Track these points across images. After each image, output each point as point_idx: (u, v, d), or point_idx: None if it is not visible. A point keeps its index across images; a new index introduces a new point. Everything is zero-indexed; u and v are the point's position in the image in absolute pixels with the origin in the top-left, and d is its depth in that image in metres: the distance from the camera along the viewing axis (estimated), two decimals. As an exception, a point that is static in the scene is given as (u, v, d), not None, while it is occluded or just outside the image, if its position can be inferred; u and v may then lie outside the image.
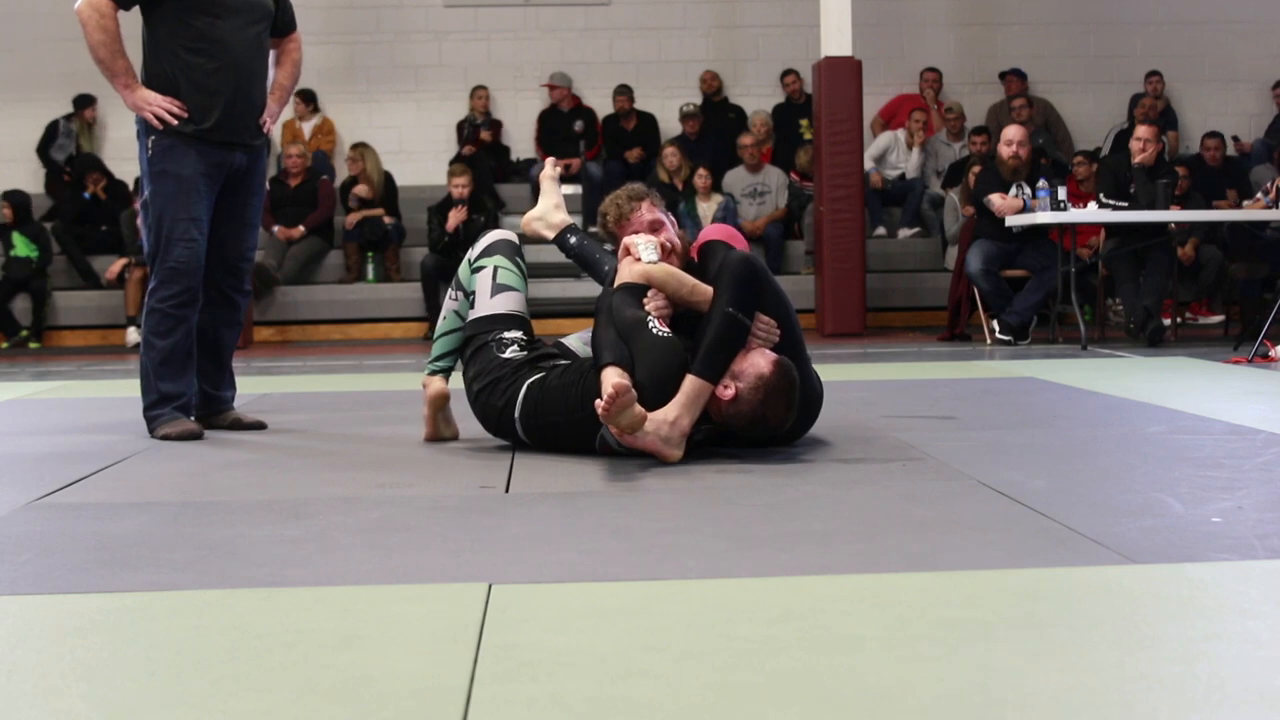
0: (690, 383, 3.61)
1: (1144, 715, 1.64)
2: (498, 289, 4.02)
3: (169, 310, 4.37)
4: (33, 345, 10.53)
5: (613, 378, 3.49)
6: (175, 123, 4.32)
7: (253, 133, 4.49)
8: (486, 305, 4.02)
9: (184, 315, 4.39)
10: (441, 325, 4.15)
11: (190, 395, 4.52)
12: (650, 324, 3.70)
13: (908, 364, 7.20)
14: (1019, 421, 4.60)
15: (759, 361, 3.64)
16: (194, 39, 4.35)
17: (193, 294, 4.40)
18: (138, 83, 4.36)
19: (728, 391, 3.63)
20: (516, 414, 3.84)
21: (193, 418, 4.57)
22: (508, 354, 3.91)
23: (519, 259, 4.11)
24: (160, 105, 4.32)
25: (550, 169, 4.54)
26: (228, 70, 4.37)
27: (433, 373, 4.16)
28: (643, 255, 3.87)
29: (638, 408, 3.49)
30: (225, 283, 4.56)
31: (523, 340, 3.97)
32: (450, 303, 4.14)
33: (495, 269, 4.05)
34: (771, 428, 3.70)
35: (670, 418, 3.59)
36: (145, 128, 4.37)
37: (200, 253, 4.40)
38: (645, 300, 3.79)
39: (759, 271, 3.75)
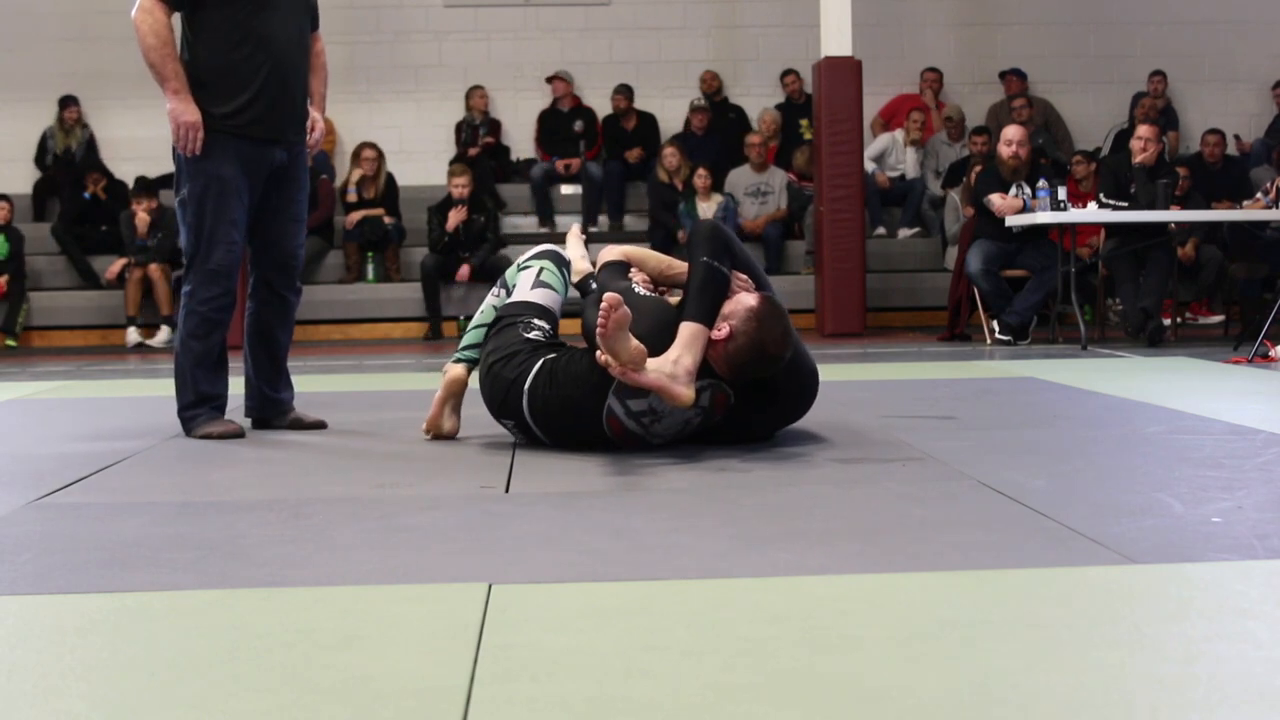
0: (685, 327, 3.69)
1: (1144, 715, 1.64)
2: (538, 284, 4.15)
3: (209, 314, 4.34)
4: (10, 344, 10.51)
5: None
6: (193, 155, 4.27)
7: (296, 129, 4.45)
8: (524, 294, 4.13)
9: (222, 319, 4.38)
10: (477, 318, 4.23)
11: (227, 397, 4.49)
12: (636, 288, 3.89)
13: (908, 364, 7.20)
14: (1019, 421, 4.60)
15: (745, 299, 3.77)
16: (237, 33, 4.29)
17: (232, 296, 4.39)
18: (188, 91, 4.26)
19: (722, 332, 3.70)
20: (526, 385, 3.85)
21: (250, 420, 4.57)
22: (531, 335, 3.98)
23: (565, 270, 4.26)
24: (192, 132, 4.24)
25: (577, 230, 4.68)
26: (271, 65, 4.32)
27: (458, 360, 4.19)
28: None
29: (635, 341, 3.51)
30: (278, 281, 4.52)
31: (548, 331, 4.05)
32: (491, 298, 4.27)
33: (541, 269, 4.18)
34: (772, 357, 3.73)
35: (672, 357, 3.63)
36: None
37: (239, 255, 4.39)
38: (629, 274, 4.00)
39: (723, 229, 3.96)
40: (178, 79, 4.26)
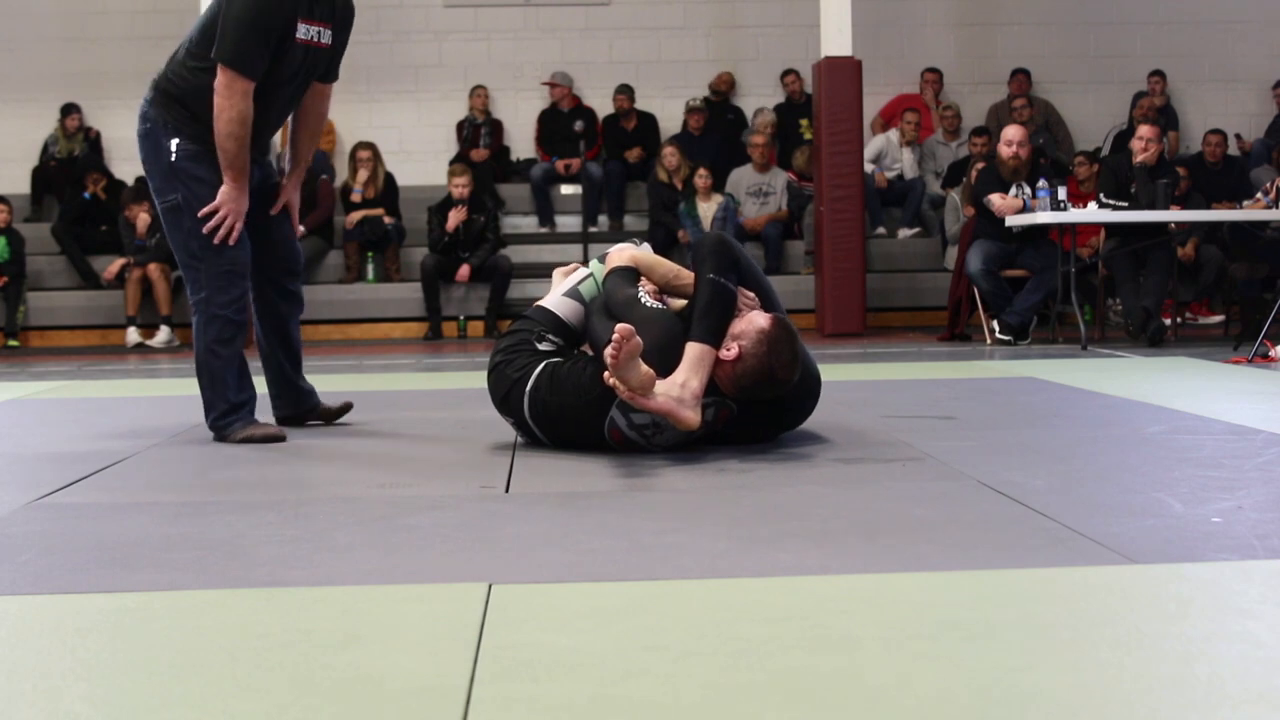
0: (691, 348, 3.66)
1: (1144, 715, 1.64)
2: (574, 293, 4.09)
3: (231, 315, 4.27)
4: (11, 344, 10.52)
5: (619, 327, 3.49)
6: (216, 242, 4.21)
7: (261, 150, 4.44)
8: (557, 301, 4.08)
9: (244, 319, 4.34)
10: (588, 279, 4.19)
11: (255, 397, 4.43)
12: (643, 299, 3.83)
13: (908, 364, 7.20)
14: (1019, 421, 4.60)
15: (756, 319, 3.73)
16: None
17: (247, 295, 4.36)
18: (247, 181, 4.23)
19: (730, 353, 3.68)
20: (528, 387, 3.85)
21: (276, 418, 4.57)
22: (541, 346, 3.97)
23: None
24: (234, 219, 4.20)
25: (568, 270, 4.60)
26: (262, 116, 4.26)
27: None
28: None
29: (645, 367, 3.50)
30: (285, 279, 4.54)
31: (561, 345, 4.02)
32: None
33: (589, 277, 4.11)
34: (780, 381, 3.72)
35: (680, 380, 3.62)
36: (165, 128, 4.24)
37: (249, 251, 4.34)
38: (639, 282, 3.94)
39: (731, 242, 3.91)
40: (244, 171, 4.21)
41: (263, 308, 4.55)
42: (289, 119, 4.57)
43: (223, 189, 4.20)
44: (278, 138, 4.48)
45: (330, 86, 4.56)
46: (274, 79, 4.22)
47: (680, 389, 3.60)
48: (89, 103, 12.11)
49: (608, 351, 3.41)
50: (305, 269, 10.83)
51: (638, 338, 3.43)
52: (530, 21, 12.53)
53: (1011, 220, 8.66)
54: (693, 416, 3.60)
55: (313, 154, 4.68)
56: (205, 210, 4.21)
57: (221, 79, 4.12)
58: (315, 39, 4.27)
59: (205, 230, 4.20)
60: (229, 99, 4.12)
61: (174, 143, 4.24)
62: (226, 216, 4.21)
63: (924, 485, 3.30)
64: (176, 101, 4.24)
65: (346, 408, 4.68)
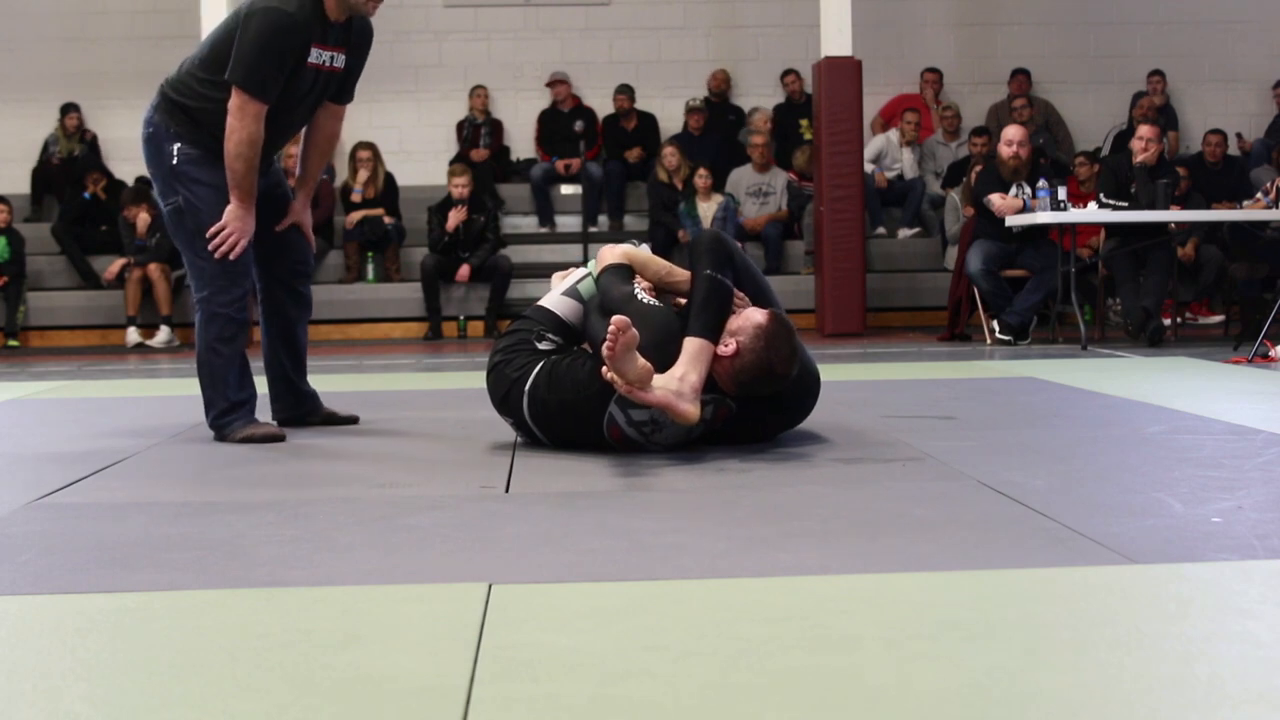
0: (689, 343, 3.66)
1: (1144, 715, 1.64)
2: (573, 292, 4.08)
3: (233, 314, 4.27)
4: (11, 344, 10.52)
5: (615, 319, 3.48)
6: (218, 257, 4.21)
7: (268, 162, 4.45)
8: (556, 301, 4.08)
9: (245, 319, 4.34)
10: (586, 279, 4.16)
11: (256, 397, 4.43)
12: (639, 295, 3.83)
13: (908, 364, 7.20)
14: (1019, 421, 4.60)
15: (753, 315, 3.74)
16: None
17: (249, 294, 4.37)
18: (254, 201, 4.24)
19: (728, 348, 3.69)
20: (527, 386, 3.85)
21: (275, 420, 4.56)
22: (541, 346, 3.97)
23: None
24: (238, 238, 4.21)
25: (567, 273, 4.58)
26: (269, 134, 4.27)
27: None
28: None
29: (642, 360, 3.49)
30: (295, 280, 4.56)
31: (560, 344, 4.01)
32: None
33: (587, 276, 4.10)
34: (779, 376, 3.73)
35: (678, 374, 3.62)
36: (167, 133, 4.26)
37: (251, 249, 4.35)
38: (633, 279, 3.94)
39: (726, 239, 3.93)
40: (250, 192, 4.22)
41: (270, 309, 4.55)
42: (301, 134, 4.57)
43: (229, 209, 4.21)
44: None
45: (344, 107, 4.55)
46: (283, 101, 4.23)
47: (679, 382, 3.60)
48: (89, 103, 12.11)
49: (604, 344, 3.41)
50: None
51: (634, 329, 3.43)
52: (530, 21, 12.53)
53: (1011, 220, 8.66)
54: (691, 409, 3.60)
55: (322, 171, 4.69)
56: (212, 230, 4.21)
57: (234, 101, 4.14)
58: (327, 63, 4.27)
59: (209, 248, 4.22)
60: (241, 120, 4.14)
61: (175, 147, 4.26)
62: (231, 235, 4.22)
63: (924, 485, 3.30)
64: (180, 109, 4.26)
65: (352, 420, 4.68)
